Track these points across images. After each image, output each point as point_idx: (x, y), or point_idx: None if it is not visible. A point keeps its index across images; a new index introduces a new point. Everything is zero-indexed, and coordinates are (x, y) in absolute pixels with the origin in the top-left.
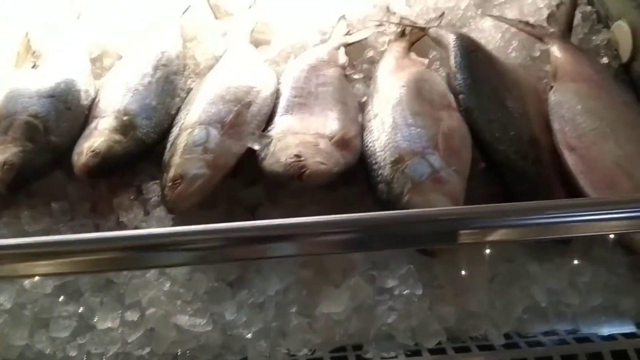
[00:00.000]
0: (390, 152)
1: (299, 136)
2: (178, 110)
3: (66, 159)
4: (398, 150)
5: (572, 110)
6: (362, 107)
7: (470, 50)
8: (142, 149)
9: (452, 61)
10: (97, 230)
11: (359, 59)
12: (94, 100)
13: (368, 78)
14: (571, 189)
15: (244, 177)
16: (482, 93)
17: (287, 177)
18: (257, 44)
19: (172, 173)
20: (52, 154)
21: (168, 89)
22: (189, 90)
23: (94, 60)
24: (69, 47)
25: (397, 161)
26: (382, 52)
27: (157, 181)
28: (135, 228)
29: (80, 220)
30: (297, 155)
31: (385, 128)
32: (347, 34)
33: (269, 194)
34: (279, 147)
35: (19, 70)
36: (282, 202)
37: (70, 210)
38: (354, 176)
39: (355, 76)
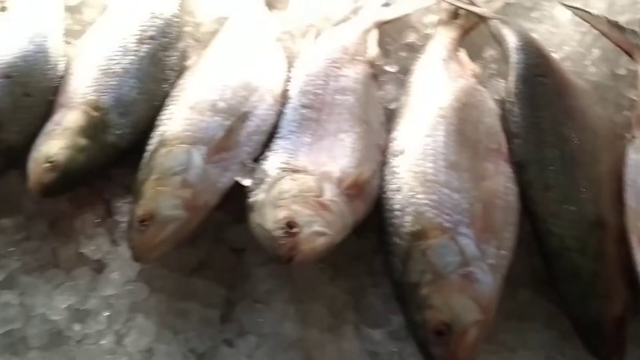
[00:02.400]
0: (412, 219)
1: (300, 179)
2: (164, 99)
3: (24, 159)
4: (422, 218)
5: None
6: (390, 118)
7: (537, 73)
8: (115, 156)
9: (511, 84)
10: (54, 258)
11: (395, 45)
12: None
13: (404, 71)
14: (636, 294)
15: (233, 209)
16: (544, 142)
17: (273, 254)
18: (273, 3)
19: (140, 210)
20: (4, 156)
21: (154, 72)
22: (182, 70)
23: (71, 10)
24: None
25: (418, 235)
26: (426, 38)
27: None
28: (98, 262)
29: (36, 242)
30: (290, 224)
31: (409, 177)
32: (385, 4)
33: None
34: (270, 198)
35: None
36: None
37: (25, 226)
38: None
39: (388, 68)
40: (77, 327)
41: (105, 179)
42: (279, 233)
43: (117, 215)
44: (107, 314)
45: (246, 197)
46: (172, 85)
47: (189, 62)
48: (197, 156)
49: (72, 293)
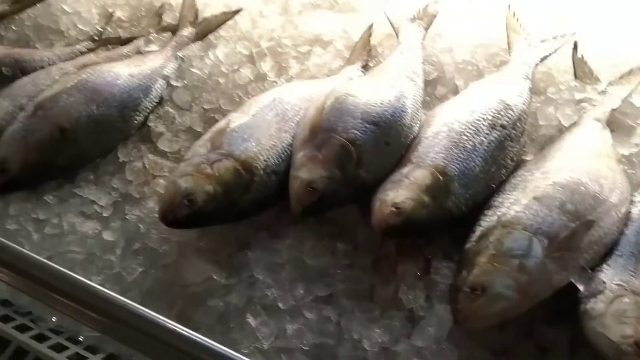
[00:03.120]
0: None
1: None
2: (500, 184)
3: (367, 196)
4: None
5: None
6: None
7: None
8: (446, 220)
9: None
10: (371, 292)
11: None
12: (414, 138)
13: None
14: None
15: (551, 308)
16: None
17: None
18: (613, 125)
19: (472, 278)
20: (357, 188)
21: (497, 156)
22: (518, 163)
23: (427, 83)
24: (409, 58)
25: None
26: None
27: (450, 264)
28: (411, 311)
29: (358, 272)
30: (638, 344)
31: None
32: None
33: (572, 340)
34: (612, 311)
35: (349, 67)
36: None
37: (352, 255)
38: None
39: None
40: None
41: (427, 239)
42: (627, 349)
43: (435, 275)
44: None
45: (573, 302)
46: (508, 173)
47: (524, 157)
48: (538, 246)
49: (386, 331)
